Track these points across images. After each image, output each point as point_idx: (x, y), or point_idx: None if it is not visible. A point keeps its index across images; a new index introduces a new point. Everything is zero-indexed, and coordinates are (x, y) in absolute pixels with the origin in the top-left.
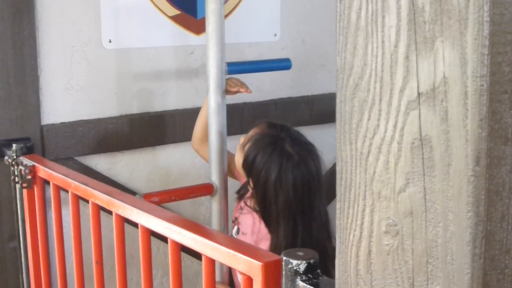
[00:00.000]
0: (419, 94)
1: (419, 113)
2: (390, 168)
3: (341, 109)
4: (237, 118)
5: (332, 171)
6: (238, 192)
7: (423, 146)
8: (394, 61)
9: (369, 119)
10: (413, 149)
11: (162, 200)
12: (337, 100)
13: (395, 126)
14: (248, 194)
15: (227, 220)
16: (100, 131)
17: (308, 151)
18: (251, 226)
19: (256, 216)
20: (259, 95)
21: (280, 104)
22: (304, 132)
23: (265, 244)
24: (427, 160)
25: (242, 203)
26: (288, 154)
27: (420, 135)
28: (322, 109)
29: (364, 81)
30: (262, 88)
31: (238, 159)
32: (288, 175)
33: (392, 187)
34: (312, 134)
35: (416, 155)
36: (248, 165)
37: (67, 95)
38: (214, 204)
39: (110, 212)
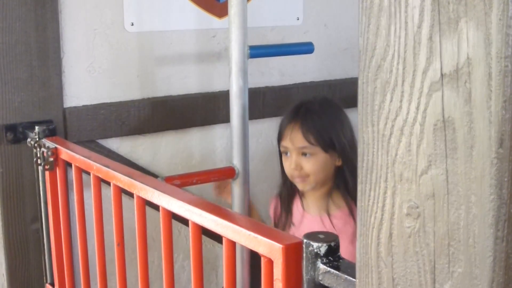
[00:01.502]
0: (442, 75)
1: (442, 95)
2: (412, 150)
3: (363, 90)
4: (259, 102)
5: None
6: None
7: (445, 128)
8: (417, 42)
9: (391, 101)
10: (435, 131)
11: (183, 183)
12: (359, 82)
13: (417, 108)
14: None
15: (248, 204)
16: (122, 114)
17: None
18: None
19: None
20: (281, 79)
21: (302, 89)
22: None
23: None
24: (449, 142)
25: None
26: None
27: (443, 116)
28: (345, 94)
29: (387, 62)
30: (284, 72)
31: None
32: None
33: (414, 169)
34: None
35: (438, 137)
36: (326, 139)
37: (89, 78)
38: (235, 188)
39: (131, 195)
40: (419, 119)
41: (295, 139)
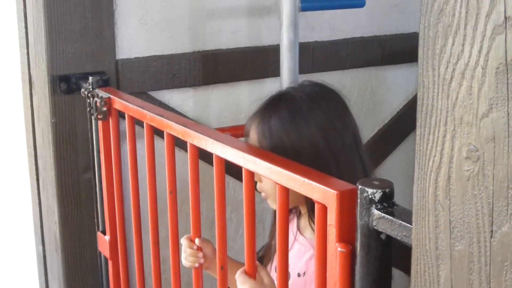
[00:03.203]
0: (506, 18)
1: (505, 38)
2: (473, 93)
3: (425, 34)
4: (308, 56)
5: (406, 109)
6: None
7: (508, 71)
8: None
9: (453, 44)
10: (497, 74)
11: (233, 135)
12: (421, 26)
13: (480, 51)
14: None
15: None
16: (174, 66)
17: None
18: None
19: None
20: (331, 34)
21: (352, 44)
22: (375, 73)
23: None
24: (511, 85)
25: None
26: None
27: (506, 60)
28: (394, 50)
29: (450, 6)
30: (334, 26)
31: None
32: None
33: (475, 113)
34: (383, 74)
35: (500, 80)
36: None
37: (141, 30)
38: None
39: (182, 147)
40: (481, 63)
41: (251, 140)
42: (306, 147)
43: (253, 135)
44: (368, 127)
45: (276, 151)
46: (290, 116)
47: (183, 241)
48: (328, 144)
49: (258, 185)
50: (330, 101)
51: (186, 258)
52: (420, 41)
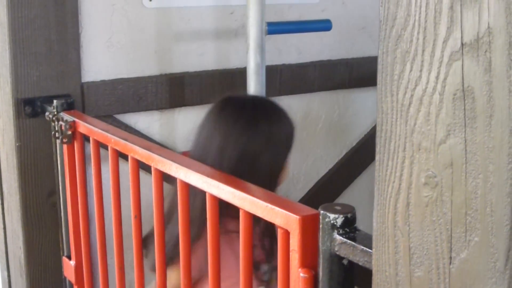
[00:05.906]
0: (462, 44)
1: (462, 64)
2: (431, 119)
3: (383, 60)
4: (276, 79)
5: (374, 132)
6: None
7: (465, 97)
8: (438, 11)
9: (411, 70)
10: (455, 100)
11: None
12: (379, 52)
13: (437, 77)
14: None
15: None
16: (140, 89)
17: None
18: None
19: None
20: (298, 57)
21: (319, 67)
22: (343, 96)
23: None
24: (469, 111)
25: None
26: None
27: (463, 86)
28: (361, 73)
29: (407, 32)
30: (301, 50)
31: None
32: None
33: (433, 139)
34: (351, 97)
35: (457, 106)
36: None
37: (107, 53)
38: None
39: (147, 170)
40: (439, 89)
41: None
42: None
43: None
44: (336, 150)
45: None
46: None
47: None
48: None
49: None
50: None
51: None
52: (379, 67)
